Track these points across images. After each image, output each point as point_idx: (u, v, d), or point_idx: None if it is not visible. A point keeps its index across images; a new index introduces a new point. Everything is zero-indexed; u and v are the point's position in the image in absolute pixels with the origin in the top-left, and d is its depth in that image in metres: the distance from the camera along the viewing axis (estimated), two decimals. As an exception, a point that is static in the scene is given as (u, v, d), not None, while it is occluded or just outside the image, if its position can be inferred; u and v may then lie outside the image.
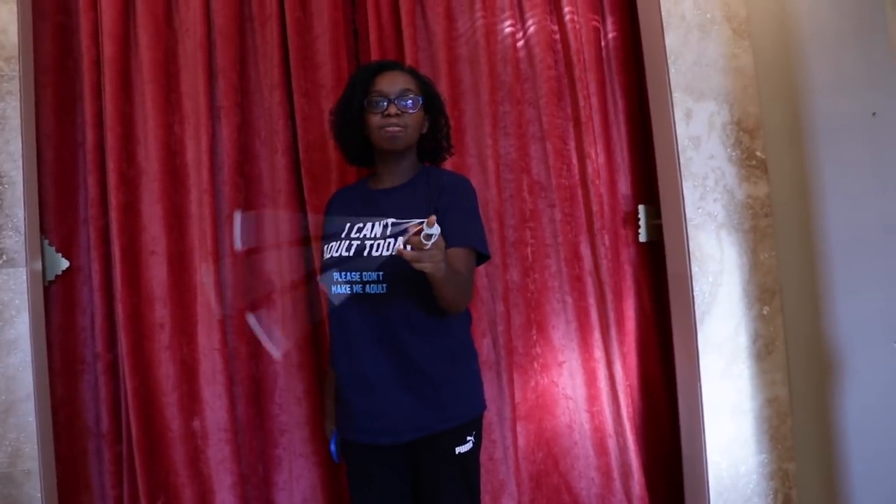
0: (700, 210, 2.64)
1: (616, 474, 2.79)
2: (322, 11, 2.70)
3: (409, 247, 1.66)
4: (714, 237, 2.65)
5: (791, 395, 2.69)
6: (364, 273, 1.98)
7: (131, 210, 2.58)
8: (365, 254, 1.98)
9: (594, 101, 2.87)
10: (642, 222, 2.90)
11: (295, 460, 2.70)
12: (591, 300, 2.81)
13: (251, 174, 2.70)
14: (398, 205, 2.08)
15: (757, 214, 2.68)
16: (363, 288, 1.98)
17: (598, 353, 2.81)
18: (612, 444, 2.80)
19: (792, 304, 2.67)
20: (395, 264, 1.89)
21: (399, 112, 2.06)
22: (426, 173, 2.19)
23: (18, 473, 2.28)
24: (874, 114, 2.32)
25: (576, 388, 2.83)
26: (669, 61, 2.67)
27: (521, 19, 2.85)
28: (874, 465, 2.39)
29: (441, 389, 2.02)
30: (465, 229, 2.04)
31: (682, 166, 2.64)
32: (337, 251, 2.04)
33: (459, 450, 2.03)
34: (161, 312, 2.58)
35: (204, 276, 2.59)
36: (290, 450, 2.70)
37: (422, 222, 1.63)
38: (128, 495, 2.57)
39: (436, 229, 1.62)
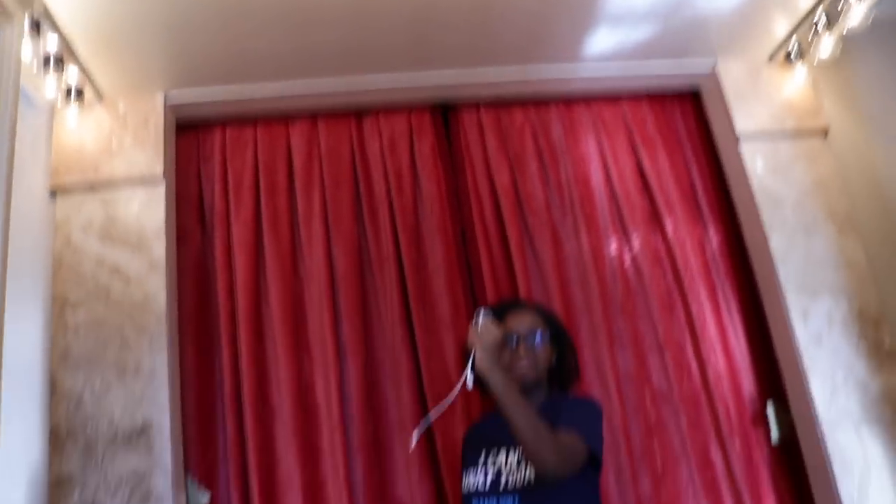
0: (833, 408, 2.56)
1: None
2: (435, 250, 2.91)
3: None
4: (853, 434, 2.53)
5: None
6: (501, 498, 2.01)
7: (267, 447, 2.69)
8: (501, 482, 2.02)
9: (707, 306, 2.90)
10: (772, 421, 2.79)
11: None
12: (729, 505, 2.69)
13: (378, 406, 2.80)
14: None
15: (897, 405, 2.57)
16: None
17: (743, 564, 2.63)
18: None
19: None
20: (531, 490, 1.94)
21: (528, 350, 2.18)
22: (556, 400, 2.23)
23: None
24: None
25: None
26: (778, 264, 2.71)
27: (625, 237, 2.98)
28: None
29: None
30: (580, 422, 2.04)
31: (805, 366, 2.60)
32: (474, 478, 2.09)
33: None
34: (296, 544, 2.62)
35: None
36: None
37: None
38: None
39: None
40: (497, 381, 1.88)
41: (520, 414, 1.86)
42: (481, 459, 2.12)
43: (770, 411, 2.82)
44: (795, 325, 2.64)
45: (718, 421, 2.74)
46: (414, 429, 2.72)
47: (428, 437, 2.74)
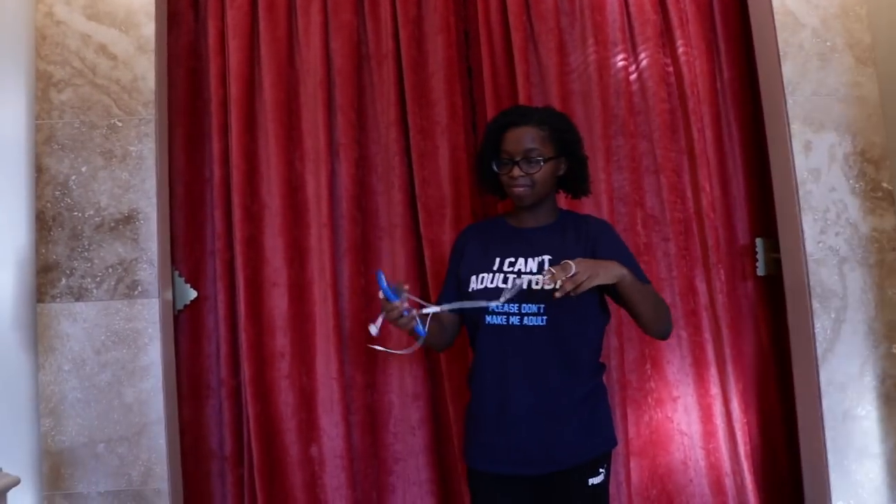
0: (821, 244, 2.57)
1: (733, 514, 2.72)
2: (437, 50, 2.78)
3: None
4: (836, 272, 2.56)
5: (925, 438, 2.56)
6: (524, 305, 2.04)
7: (255, 243, 2.71)
8: (524, 288, 2.02)
9: (708, 133, 2.83)
10: (760, 256, 2.84)
11: (409, 488, 2.75)
12: (707, 335, 2.75)
13: (368, 208, 2.79)
14: (551, 243, 2.14)
15: (883, 248, 2.58)
16: (521, 320, 2.04)
17: (715, 389, 2.74)
18: (729, 483, 2.72)
19: (923, 342, 2.56)
20: (558, 299, 1.92)
21: (524, 173, 2.11)
22: (568, 217, 2.26)
23: (150, 492, 2.42)
24: None
25: (691, 424, 2.77)
26: (787, 92, 2.61)
27: (633, 53, 2.84)
28: None
29: (583, 424, 2.08)
30: (628, 259, 2.15)
31: (801, 200, 2.58)
32: (492, 283, 2.09)
33: (592, 481, 2.07)
34: (282, 342, 2.69)
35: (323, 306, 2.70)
36: (405, 478, 2.76)
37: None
38: (248, 518, 2.68)
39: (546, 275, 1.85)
40: (612, 278, 1.94)
41: (647, 301, 2.05)
42: (495, 265, 2.13)
43: (759, 247, 2.85)
44: (796, 157, 2.59)
45: (707, 250, 2.75)
46: (404, 234, 2.75)
47: (416, 245, 2.76)
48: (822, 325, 2.55)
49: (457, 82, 2.79)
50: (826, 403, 2.53)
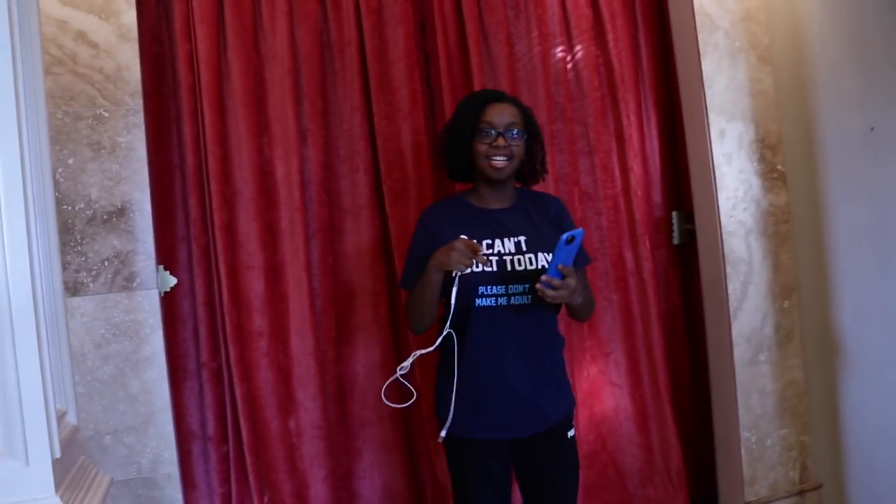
0: (732, 218, 3.01)
1: (656, 449, 3.16)
2: (397, 39, 2.92)
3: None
4: (744, 242, 3.02)
5: (806, 376, 3.11)
6: (511, 286, 2.19)
7: (230, 228, 2.76)
8: (508, 269, 2.19)
9: (633, 118, 3.19)
10: (675, 227, 3.25)
11: (376, 450, 2.97)
12: (634, 297, 3.15)
13: (334, 192, 2.90)
14: (522, 224, 2.29)
15: (778, 220, 3.07)
16: (508, 300, 2.20)
17: (640, 343, 3.16)
18: (653, 424, 3.16)
19: (807, 297, 3.09)
20: (539, 278, 2.07)
21: (507, 144, 2.22)
22: (525, 196, 2.39)
23: (161, 478, 2.47)
24: (872, 129, 2.72)
25: (621, 375, 3.18)
26: (706, 86, 3.00)
27: (569, 44, 3.13)
28: (875, 436, 2.82)
29: (559, 386, 2.34)
30: (582, 252, 2.30)
31: (717, 180, 2.99)
32: (478, 267, 2.17)
33: (570, 434, 2.34)
34: (259, 322, 2.79)
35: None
36: (371, 440, 2.97)
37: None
38: (235, 492, 2.79)
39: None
40: (574, 294, 2.06)
41: (586, 305, 2.28)
42: None
43: (675, 219, 3.27)
44: (714, 143, 3.00)
45: (634, 223, 3.14)
46: (370, 214, 2.90)
47: (381, 225, 2.94)
48: (733, 287, 3.01)
49: (416, 71, 2.95)
50: (736, 353, 3.01)
